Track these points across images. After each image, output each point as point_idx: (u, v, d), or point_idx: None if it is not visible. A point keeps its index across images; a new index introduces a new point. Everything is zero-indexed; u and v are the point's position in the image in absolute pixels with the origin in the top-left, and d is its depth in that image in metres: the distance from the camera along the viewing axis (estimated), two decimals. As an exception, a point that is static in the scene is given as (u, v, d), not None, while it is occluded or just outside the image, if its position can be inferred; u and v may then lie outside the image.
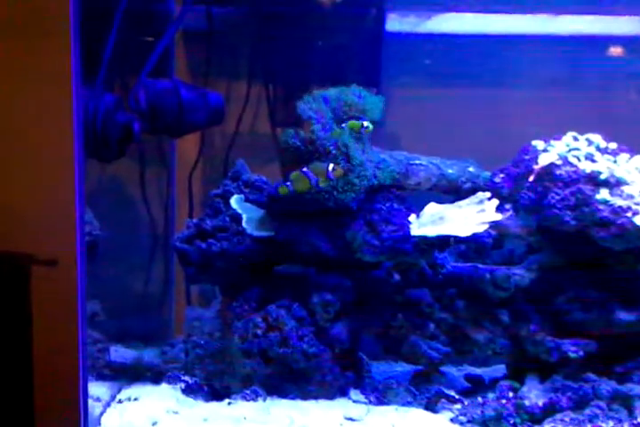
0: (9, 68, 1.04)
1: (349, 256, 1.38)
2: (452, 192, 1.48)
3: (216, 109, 1.40)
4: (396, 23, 1.73)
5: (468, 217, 1.31)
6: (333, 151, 1.32)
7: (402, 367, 1.50)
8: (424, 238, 1.31)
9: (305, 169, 1.30)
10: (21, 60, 1.04)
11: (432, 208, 1.37)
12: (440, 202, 1.47)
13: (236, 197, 1.50)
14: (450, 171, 1.47)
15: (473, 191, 1.48)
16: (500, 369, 1.47)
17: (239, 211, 1.47)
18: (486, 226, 1.27)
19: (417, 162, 1.41)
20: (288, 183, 1.32)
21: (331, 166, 1.30)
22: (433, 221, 1.34)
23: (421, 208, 1.44)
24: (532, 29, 1.69)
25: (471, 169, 1.50)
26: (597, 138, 1.39)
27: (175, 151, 1.80)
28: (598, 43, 1.68)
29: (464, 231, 1.25)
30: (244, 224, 1.45)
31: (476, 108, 1.74)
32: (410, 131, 1.75)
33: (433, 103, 1.75)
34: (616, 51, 1.68)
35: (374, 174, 1.35)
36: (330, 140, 1.33)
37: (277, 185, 1.40)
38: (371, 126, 1.31)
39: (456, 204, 1.37)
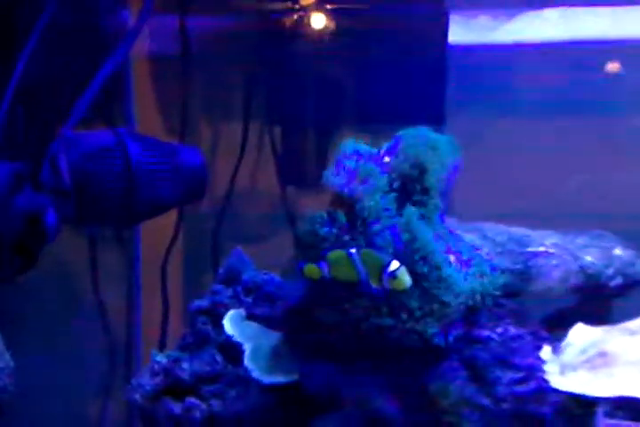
0: None
1: (436, 421, 0.79)
2: (591, 292, 0.91)
3: (192, 175, 0.82)
4: (460, 30, 1.17)
5: (657, 354, 0.72)
6: (399, 249, 0.74)
7: None
8: (578, 398, 0.72)
9: (353, 251, 0.73)
10: None
11: (581, 334, 0.78)
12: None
13: (231, 313, 0.91)
14: (588, 258, 0.89)
15: (626, 290, 0.90)
16: None
17: (237, 338, 0.89)
18: None
19: (541, 249, 0.82)
20: (323, 264, 0.74)
21: (394, 265, 0.72)
22: (588, 359, 0.75)
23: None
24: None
25: (618, 252, 0.92)
26: None
27: (139, 230, 1.23)
28: None
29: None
30: (246, 362, 0.86)
31: (584, 147, 1.18)
32: (489, 184, 1.19)
33: (518, 141, 1.19)
34: None
35: (475, 284, 0.76)
36: (388, 230, 0.75)
37: (300, 285, 0.83)
38: (403, 277, 0.70)
39: (623, 326, 0.78)
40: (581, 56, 1.14)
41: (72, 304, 1.19)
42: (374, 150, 0.83)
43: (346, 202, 0.74)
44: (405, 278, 0.70)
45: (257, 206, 1.29)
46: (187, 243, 1.27)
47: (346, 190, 0.72)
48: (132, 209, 0.75)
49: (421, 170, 0.81)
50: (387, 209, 0.74)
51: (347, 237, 0.72)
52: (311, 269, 0.72)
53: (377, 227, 0.73)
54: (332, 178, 0.73)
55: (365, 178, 0.75)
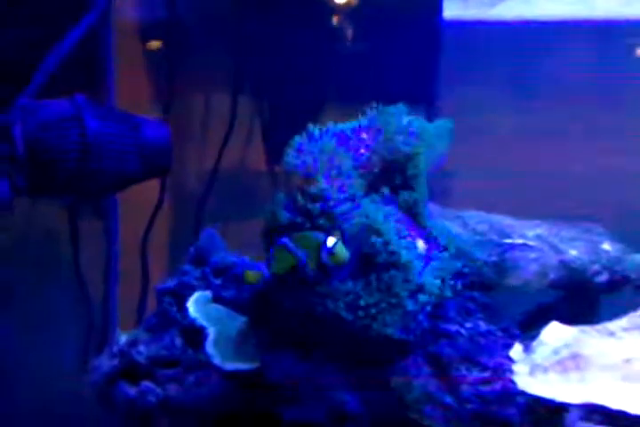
0: None
1: (399, 416, 0.75)
2: (575, 288, 0.85)
3: (156, 148, 0.78)
4: (456, 4, 1.10)
5: (632, 359, 0.67)
6: (357, 232, 0.70)
7: None
8: (545, 402, 0.68)
9: (286, 240, 0.69)
10: None
11: (555, 333, 0.73)
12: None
13: (196, 296, 0.87)
14: (572, 252, 0.83)
15: (612, 287, 0.85)
16: None
17: (201, 321, 0.85)
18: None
19: (519, 241, 0.77)
20: (260, 266, 0.72)
21: (331, 240, 0.67)
22: (560, 361, 0.70)
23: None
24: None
25: (606, 247, 0.86)
26: None
27: (117, 204, 1.19)
28: None
29: (632, 404, 0.61)
30: (208, 348, 0.83)
31: (585, 134, 1.12)
32: (480, 171, 1.13)
33: (514, 125, 1.13)
34: None
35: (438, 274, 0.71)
36: (348, 212, 0.70)
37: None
38: (341, 252, 0.66)
39: (603, 326, 0.73)
40: (590, 35, 1.06)
41: (50, 276, 1.16)
42: (346, 129, 0.78)
43: (305, 183, 0.69)
44: (342, 251, 0.67)
45: (244, 184, 1.25)
46: (171, 218, 1.23)
47: (303, 171, 0.67)
48: (88, 181, 0.71)
49: (405, 155, 0.76)
50: (349, 192, 0.70)
51: (303, 221, 0.68)
52: (249, 275, 0.68)
53: (336, 210, 0.68)
54: (291, 158, 0.68)
55: (325, 158, 0.70)
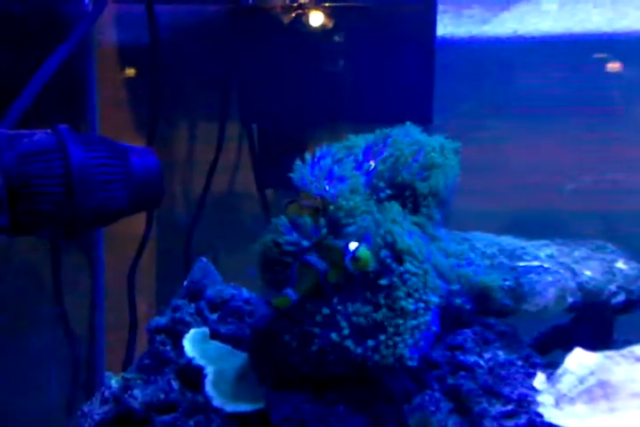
0: None
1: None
2: (591, 310, 0.82)
3: (145, 178, 0.73)
4: (450, 23, 1.08)
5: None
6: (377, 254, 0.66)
7: None
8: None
9: (309, 256, 0.65)
10: None
11: (579, 360, 0.69)
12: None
13: (193, 333, 0.83)
14: (587, 272, 0.80)
15: (629, 307, 0.82)
16: None
17: (199, 360, 0.80)
18: None
19: (535, 263, 0.74)
20: (289, 291, 0.67)
21: (352, 245, 0.64)
22: (587, 390, 0.66)
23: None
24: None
25: (621, 265, 0.83)
26: None
27: (102, 236, 1.13)
28: None
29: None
30: (207, 388, 0.77)
31: (582, 147, 1.10)
32: (478, 191, 1.10)
33: (511, 144, 1.10)
34: None
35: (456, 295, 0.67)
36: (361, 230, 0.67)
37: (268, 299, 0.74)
38: (365, 256, 0.64)
39: (627, 351, 0.69)
40: (582, 50, 1.05)
41: (31, 314, 1.10)
42: (354, 151, 0.75)
43: (316, 204, 0.65)
44: (366, 255, 0.64)
45: (234, 211, 1.20)
46: (160, 250, 1.18)
47: (321, 192, 0.64)
48: (74, 216, 0.66)
49: (419, 176, 0.72)
50: (364, 211, 0.67)
51: (311, 243, 0.64)
52: (280, 301, 0.63)
53: (351, 228, 0.65)
54: (304, 179, 0.64)
55: (342, 178, 0.67)
